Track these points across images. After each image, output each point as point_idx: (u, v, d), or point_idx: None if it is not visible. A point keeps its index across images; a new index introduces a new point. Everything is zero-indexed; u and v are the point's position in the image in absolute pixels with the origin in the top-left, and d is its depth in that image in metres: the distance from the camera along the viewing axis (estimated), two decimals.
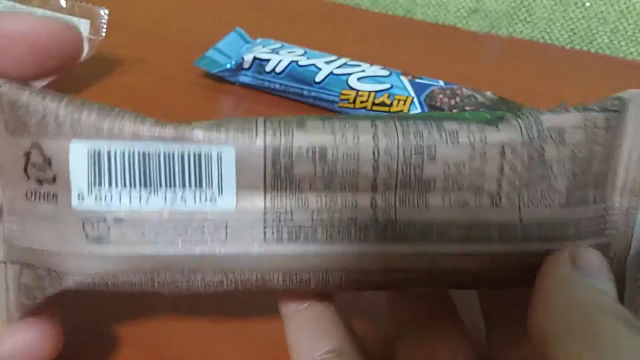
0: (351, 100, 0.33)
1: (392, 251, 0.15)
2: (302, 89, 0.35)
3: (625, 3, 0.46)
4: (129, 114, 0.15)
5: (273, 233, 0.15)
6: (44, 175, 0.15)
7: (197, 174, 0.15)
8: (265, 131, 0.15)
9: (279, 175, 0.14)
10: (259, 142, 0.14)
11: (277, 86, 0.35)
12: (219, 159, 0.14)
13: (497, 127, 0.15)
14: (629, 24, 0.47)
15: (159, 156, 0.14)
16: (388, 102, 0.32)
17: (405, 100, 0.32)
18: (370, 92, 0.33)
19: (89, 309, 0.19)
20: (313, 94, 0.34)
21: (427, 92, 0.33)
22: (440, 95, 0.32)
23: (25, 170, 0.15)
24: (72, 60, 0.15)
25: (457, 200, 0.15)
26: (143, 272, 0.15)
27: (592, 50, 0.49)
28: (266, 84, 0.36)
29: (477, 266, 0.15)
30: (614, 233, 0.16)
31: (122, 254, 0.15)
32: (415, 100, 0.32)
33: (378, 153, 0.14)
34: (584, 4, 0.48)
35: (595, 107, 0.15)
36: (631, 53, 0.48)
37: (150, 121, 0.15)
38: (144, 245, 0.15)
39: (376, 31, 0.48)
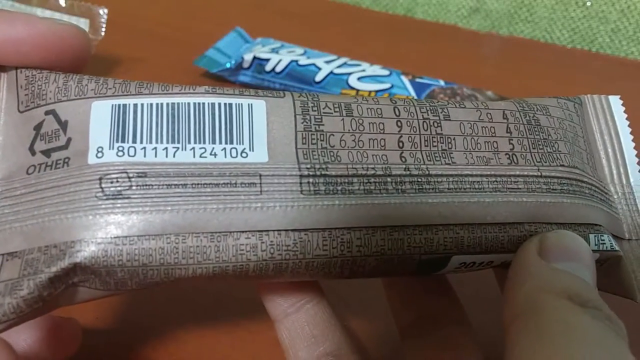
0: None
1: (429, 204, 0.15)
2: (302, 89, 0.34)
3: (626, 2, 0.46)
4: (157, 83, 0.15)
5: (310, 184, 0.14)
6: (54, 143, 0.14)
7: (228, 127, 0.14)
8: (292, 94, 0.15)
9: (309, 129, 0.15)
10: (288, 98, 0.15)
11: (277, 86, 0.35)
12: (250, 110, 0.14)
13: (491, 101, 0.17)
14: (630, 24, 0.47)
15: (188, 107, 0.14)
16: None
17: None
18: (370, 91, 0.33)
19: (87, 307, 0.19)
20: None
21: (427, 92, 0.32)
22: (441, 95, 0.32)
23: (32, 146, 0.14)
24: (80, 62, 0.15)
25: (479, 157, 0.15)
26: (167, 235, 0.13)
27: (593, 49, 0.49)
28: (266, 83, 0.35)
29: (511, 216, 0.15)
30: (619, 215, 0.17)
31: (144, 212, 0.13)
32: None
33: (398, 110, 0.15)
34: (585, 4, 0.48)
35: (561, 97, 0.17)
36: (632, 52, 0.48)
37: (180, 85, 0.15)
38: (170, 201, 0.13)
39: (376, 30, 0.48)
